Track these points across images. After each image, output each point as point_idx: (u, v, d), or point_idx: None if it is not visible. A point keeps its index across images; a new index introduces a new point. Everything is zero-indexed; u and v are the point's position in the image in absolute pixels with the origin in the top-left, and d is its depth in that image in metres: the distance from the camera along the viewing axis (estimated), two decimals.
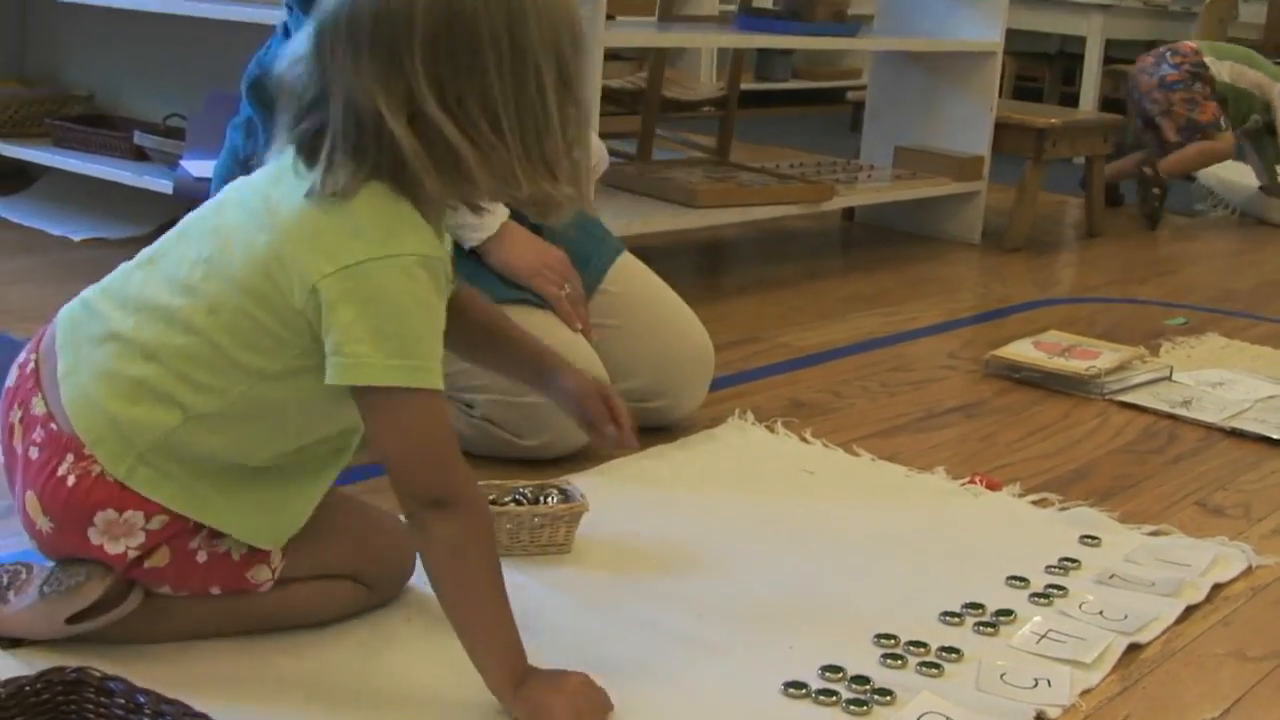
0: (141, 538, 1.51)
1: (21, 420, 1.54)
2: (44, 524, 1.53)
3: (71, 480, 1.50)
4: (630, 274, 2.47)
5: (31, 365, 1.57)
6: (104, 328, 1.52)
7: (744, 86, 5.28)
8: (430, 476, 1.46)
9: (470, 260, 2.27)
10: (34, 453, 1.52)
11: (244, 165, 2.08)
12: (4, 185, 3.98)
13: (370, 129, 1.41)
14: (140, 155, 3.52)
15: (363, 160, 1.42)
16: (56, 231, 3.59)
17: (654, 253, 3.34)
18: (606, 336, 2.36)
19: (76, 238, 3.53)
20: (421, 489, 1.46)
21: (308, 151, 1.44)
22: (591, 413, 1.79)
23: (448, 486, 1.46)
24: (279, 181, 1.48)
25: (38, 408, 1.53)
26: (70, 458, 1.50)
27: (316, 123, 1.44)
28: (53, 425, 1.52)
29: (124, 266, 1.56)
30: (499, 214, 2.27)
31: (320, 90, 1.43)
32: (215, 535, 1.55)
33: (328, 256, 1.42)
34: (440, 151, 1.41)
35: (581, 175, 1.49)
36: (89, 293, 1.57)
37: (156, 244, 1.56)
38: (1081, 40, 6.94)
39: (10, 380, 1.58)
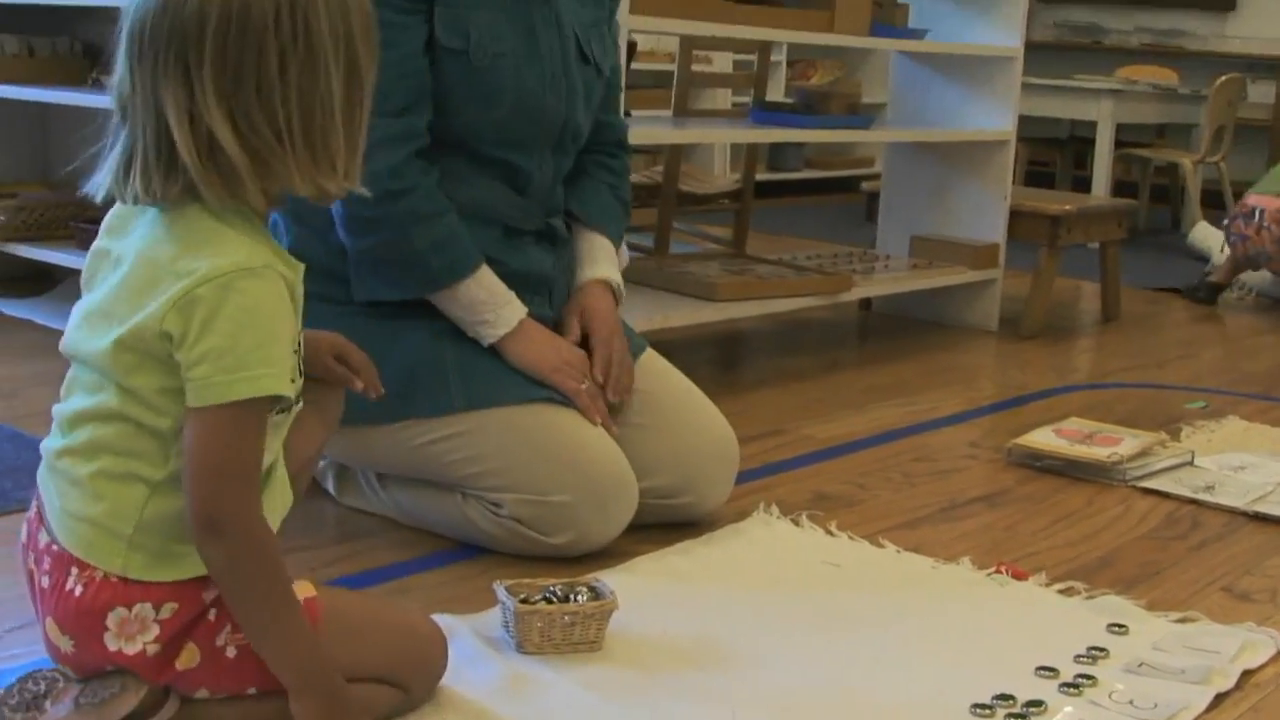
0: (156, 630, 1.53)
1: (35, 560, 1.58)
2: (65, 645, 1.55)
3: (79, 590, 1.53)
4: (653, 371, 2.49)
5: (34, 512, 1.61)
6: (55, 452, 1.57)
7: (758, 177, 5.32)
8: (222, 500, 1.47)
9: (490, 356, 2.30)
10: (45, 580, 1.56)
11: None
12: (29, 287, 4.03)
13: (165, 136, 1.45)
14: None
15: (172, 168, 1.46)
16: None
17: (673, 346, 3.37)
18: (631, 435, 2.37)
19: None
20: (207, 509, 1.47)
21: (124, 169, 1.49)
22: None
23: (230, 513, 1.47)
24: (95, 287, 1.56)
25: (43, 539, 1.57)
26: (74, 571, 1.53)
27: (131, 137, 1.48)
28: (54, 547, 1.55)
29: (55, 406, 1.60)
30: (516, 311, 2.30)
31: (134, 102, 1.48)
32: (238, 628, 1.55)
33: (160, 303, 1.46)
34: (221, 161, 1.46)
35: (360, 159, 1.55)
36: (44, 442, 1.61)
37: (67, 375, 1.60)
38: (1092, 125, 6.99)
39: (23, 536, 1.62)
